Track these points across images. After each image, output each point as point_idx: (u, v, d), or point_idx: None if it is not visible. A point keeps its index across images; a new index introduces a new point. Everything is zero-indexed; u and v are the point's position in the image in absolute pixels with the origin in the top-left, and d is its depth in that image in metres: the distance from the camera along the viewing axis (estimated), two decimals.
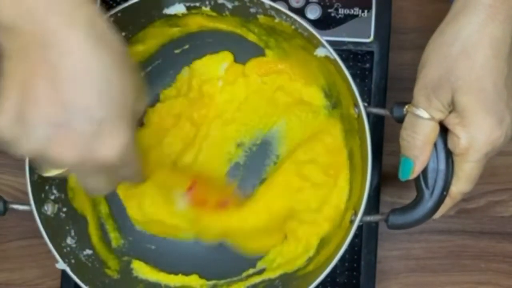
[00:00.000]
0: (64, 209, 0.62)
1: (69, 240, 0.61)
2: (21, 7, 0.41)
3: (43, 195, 0.59)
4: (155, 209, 0.65)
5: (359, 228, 0.62)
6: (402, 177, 0.55)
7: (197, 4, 0.60)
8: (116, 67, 0.43)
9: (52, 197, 0.61)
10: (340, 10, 0.68)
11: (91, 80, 0.42)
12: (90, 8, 0.43)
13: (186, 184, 0.64)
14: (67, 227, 0.62)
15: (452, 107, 0.51)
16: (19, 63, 0.42)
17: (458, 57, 0.50)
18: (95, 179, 0.48)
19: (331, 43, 0.64)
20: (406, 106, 0.54)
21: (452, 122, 0.52)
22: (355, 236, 0.66)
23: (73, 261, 0.59)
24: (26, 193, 0.57)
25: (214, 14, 0.61)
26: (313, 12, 0.68)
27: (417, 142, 0.53)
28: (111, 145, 0.43)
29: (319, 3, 0.68)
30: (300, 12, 0.68)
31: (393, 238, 0.70)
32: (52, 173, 0.48)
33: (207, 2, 0.60)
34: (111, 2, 0.68)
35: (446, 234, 0.71)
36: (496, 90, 0.50)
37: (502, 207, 0.72)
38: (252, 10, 0.59)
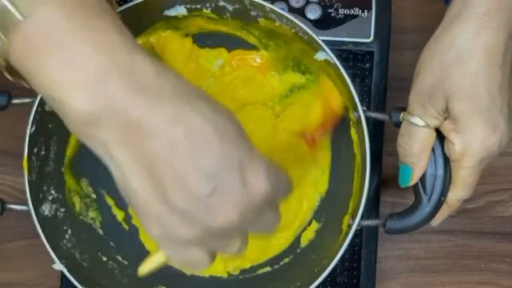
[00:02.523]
0: (62, 210, 0.62)
1: (66, 241, 0.61)
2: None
3: (41, 196, 0.60)
4: None
5: (360, 228, 0.62)
6: (401, 183, 0.55)
7: (198, 6, 0.60)
8: (212, 109, 0.40)
9: (50, 198, 0.61)
10: (340, 10, 0.68)
11: (208, 138, 0.39)
12: (171, 74, 0.40)
13: None
14: (65, 228, 0.62)
15: (447, 113, 0.52)
16: (126, 161, 0.39)
17: (452, 65, 0.50)
18: (265, 218, 0.43)
19: (331, 43, 0.64)
20: (402, 114, 0.54)
21: (447, 129, 0.52)
22: (355, 236, 0.66)
23: (70, 262, 0.59)
24: (24, 193, 0.58)
25: (214, 16, 0.61)
26: (313, 12, 0.68)
27: (414, 149, 0.53)
28: (259, 175, 0.40)
29: (319, 3, 0.68)
30: (300, 12, 0.68)
31: (393, 238, 0.70)
32: (232, 249, 0.43)
33: (208, 4, 0.60)
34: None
35: (446, 234, 0.71)
36: (490, 97, 0.50)
37: (502, 207, 0.72)
38: (253, 13, 0.59)
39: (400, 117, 0.54)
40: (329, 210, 0.66)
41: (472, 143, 0.51)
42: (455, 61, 0.50)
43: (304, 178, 0.66)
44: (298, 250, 0.66)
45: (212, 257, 0.43)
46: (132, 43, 0.40)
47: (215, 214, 0.39)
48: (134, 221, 0.68)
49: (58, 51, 0.38)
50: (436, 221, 0.56)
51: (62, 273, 0.59)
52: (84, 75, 0.38)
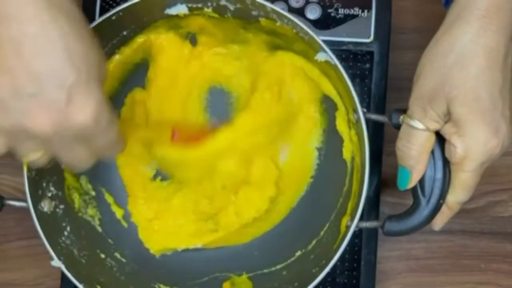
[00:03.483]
0: (61, 206, 0.62)
1: (65, 238, 0.61)
2: None
3: (40, 192, 0.60)
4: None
5: (360, 228, 0.62)
6: (400, 186, 0.55)
7: (199, 5, 0.60)
8: (76, 33, 0.44)
9: (49, 194, 0.61)
10: (340, 10, 0.68)
11: (54, 48, 0.43)
12: None
13: (167, 135, 0.65)
14: (64, 224, 0.62)
15: (448, 117, 0.52)
16: None
17: (453, 68, 0.50)
18: (75, 151, 0.47)
19: (331, 43, 0.64)
20: (401, 117, 0.54)
21: (448, 132, 0.52)
22: (355, 236, 0.66)
23: (68, 258, 0.59)
24: (24, 192, 0.57)
25: (215, 15, 0.61)
26: (313, 12, 0.68)
27: (413, 152, 0.53)
28: (85, 107, 0.44)
29: (319, 3, 0.68)
30: (300, 12, 0.68)
31: (393, 238, 0.70)
32: (31, 157, 0.48)
33: (209, 3, 0.60)
34: (111, 2, 0.68)
35: (446, 234, 0.71)
36: (491, 100, 0.50)
37: (502, 207, 0.72)
38: (254, 12, 0.59)
39: (400, 120, 0.54)
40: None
41: (474, 146, 0.51)
42: (455, 64, 0.50)
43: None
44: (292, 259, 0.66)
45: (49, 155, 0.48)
46: None
47: (28, 116, 0.43)
48: (133, 219, 0.68)
49: None
50: (438, 225, 0.56)
51: (62, 272, 0.59)
52: None
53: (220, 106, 0.68)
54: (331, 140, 0.66)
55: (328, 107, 0.65)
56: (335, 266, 0.56)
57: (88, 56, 0.45)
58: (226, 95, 0.68)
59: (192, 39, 0.66)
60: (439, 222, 0.56)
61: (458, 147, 0.51)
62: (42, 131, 0.44)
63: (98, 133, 0.47)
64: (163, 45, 0.65)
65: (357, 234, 0.67)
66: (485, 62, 0.50)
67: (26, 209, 0.57)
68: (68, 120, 0.44)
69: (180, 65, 0.66)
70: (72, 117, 0.44)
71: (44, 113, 0.43)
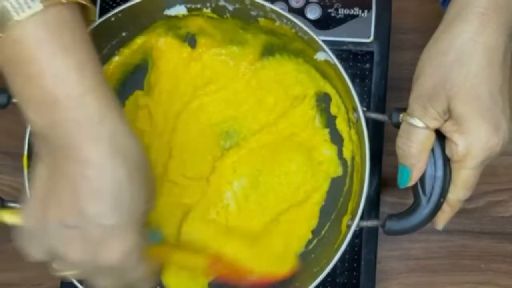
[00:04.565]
0: None
1: None
2: (52, 119, 0.44)
3: None
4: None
5: (360, 228, 0.62)
6: (400, 185, 0.55)
7: (198, 6, 0.60)
8: (130, 177, 0.45)
9: None
10: (340, 10, 0.68)
11: (106, 191, 0.44)
12: (114, 119, 0.45)
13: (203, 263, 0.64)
14: None
15: (449, 114, 0.52)
16: (48, 169, 0.46)
17: (453, 66, 0.50)
18: (104, 280, 0.49)
19: (331, 43, 0.64)
20: (401, 115, 0.54)
21: (449, 130, 0.52)
22: (355, 236, 0.66)
23: None
24: (24, 192, 0.57)
25: (215, 16, 0.61)
26: (313, 12, 0.68)
27: (413, 150, 0.53)
28: (115, 249, 0.46)
29: (319, 3, 0.68)
30: (300, 12, 0.68)
31: (393, 238, 0.70)
32: (64, 273, 0.49)
33: (208, 4, 0.60)
34: (111, 3, 0.68)
35: (446, 234, 0.71)
36: (491, 98, 0.50)
37: (502, 207, 0.72)
38: (253, 12, 0.59)
39: (400, 118, 0.54)
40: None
41: (476, 144, 0.51)
42: (455, 62, 0.50)
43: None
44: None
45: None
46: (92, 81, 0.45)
47: (63, 243, 0.46)
48: None
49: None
50: (440, 224, 0.56)
51: None
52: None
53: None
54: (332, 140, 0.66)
55: (326, 106, 0.65)
56: (335, 266, 0.56)
57: (136, 200, 0.46)
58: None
59: (191, 40, 0.66)
60: (441, 221, 0.56)
61: (459, 144, 0.51)
62: (72, 259, 0.46)
63: (125, 271, 0.48)
64: (163, 49, 0.65)
65: (357, 234, 0.67)
66: (485, 60, 0.50)
67: None
68: (97, 256, 0.46)
69: (180, 68, 0.66)
70: (101, 255, 0.46)
71: (77, 243, 0.45)
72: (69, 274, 0.49)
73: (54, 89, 0.43)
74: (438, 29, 0.53)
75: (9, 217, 0.53)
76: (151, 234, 0.49)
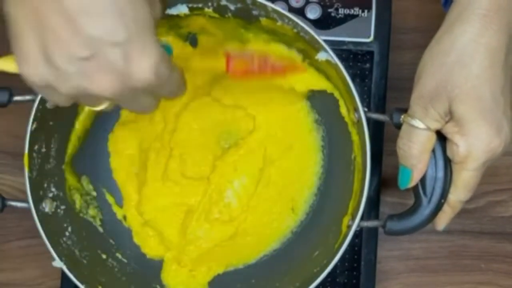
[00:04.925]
0: (62, 207, 0.62)
1: (66, 238, 0.61)
2: None
3: (41, 193, 0.60)
4: None
5: (360, 228, 0.62)
6: (401, 185, 0.55)
7: (200, 5, 0.60)
8: None
9: (50, 195, 0.61)
10: (340, 10, 0.68)
11: (99, 5, 0.41)
12: None
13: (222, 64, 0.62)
14: (65, 225, 0.62)
15: (450, 116, 0.52)
16: (24, 6, 0.41)
17: (454, 67, 0.50)
18: (140, 101, 0.46)
19: (331, 43, 0.64)
20: (402, 116, 0.54)
21: (451, 131, 0.52)
22: (355, 236, 0.66)
23: (70, 259, 0.59)
24: (25, 192, 0.57)
25: (216, 15, 0.61)
26: (313, 12, 0.68)
27: (414, 151, 0.53)
28: (144, 63, 0.42)
29: (319, 3, 0.68)
30: (300, 12, 0.68)
31: (393, 238, 0.70)
32: (97, 108, 0.47)
33: (209, 3, 0.59)
34: None
35: (446, 234, 0.71)
36: (493, 99, 0.50)
37: (502, 207, 0.72)
38: (255, 12, 0.59)
39: (401, 119, 0.54)
40: (327, 210, 0.67)
41: (477, 146, 0.51)
42: (457, 63, 0.50)
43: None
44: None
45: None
46: None
47: (89, 81, 0.42)
48: (126, 223, 0.68)
49: None
50: (440, 225, 0.56)
51: (62, 272, 0.59)
52: None
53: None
54: (334, 141, 0.66)
55: (327, 105, 0.66)
56: (335, 266, 0.56)
57: (137, 6, 0.42)
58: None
59: (193, 39, 0.66)
60: (441, 222, 0.56)
61: (460, 146, 0.51)
62: (105, 93, 0.43)
63: (161, 84, 0.45)
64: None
65: (357, 234, 0.67)
66: (487, 61, 0.50)
67: (27, 209, 0.57)
68: (130, 78, 0.42)
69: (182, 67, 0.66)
70: (133, 75, 0.42)
71: (103, 75, 0.42)
72: (103, 106, 0.46)
73: None
74: (439, 30, 0.52)
75: (7, 66, 0.47)
76: (163, 46, 0.46)
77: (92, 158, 0.67)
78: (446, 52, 0.51)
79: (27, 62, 0.42)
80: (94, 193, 0.67)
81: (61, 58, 0.41)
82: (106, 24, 0.41)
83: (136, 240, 0.68)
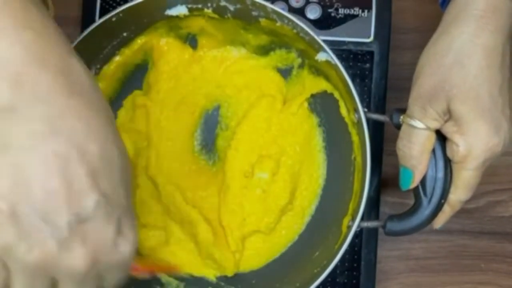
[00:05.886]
0: None
1: None
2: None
3: None
4: None
5: (360, 228, 0.62)
6: (402, 187, 0.55)
7: (199, 6, 0.60)
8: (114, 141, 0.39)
9: None
10: (340, 10, 0.68)
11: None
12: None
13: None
14: None
15: (449, 115, 0.52)
16: None
17: (452, 67, 0.51)
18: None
19: (331, 43, 0.64)
20: (401, 117, 0.54)
21: (450, 131, 0.52)
22: (355, 236, 0.66)
23: None
24: None
25: (216, 16, 0.61)
26: (313, 12, 0.68)
27: (414, 152, 0.53)
28: (130, 239, 0.39)
29: (319, 3, 0.68)
30: (300, 12, 0.68)
31: (393, 238, 0.70)
32: None
33: (209, 4, 0.60)
34: (112, 3, 0.68)
35: (446, 234, 0.71)
36: (491, 98, 0.50)
37: (502, 207, 0.72)
38: (254, 13, 0.59)
39: (400, 120, 0.54)
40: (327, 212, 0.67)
41: (476, 145, 0.51)
42: (454, 64, 0.51)
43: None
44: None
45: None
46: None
47: (71, 252, 0.37)
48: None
49: None
50: (438, 224, 0.56)
51: None
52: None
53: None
54: (335, 141, 0.66)
55: (327, 106, 0.66)
56: (335, 266, 0.56)
57: (120, 178, 0.39)
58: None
59: (192, 41, 0.66)
60: (440, 221, 0.56)
61: (460, 145, 0.52)
62: (77, 268, 0.38)
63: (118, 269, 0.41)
64: (164, 49, 0.65)
65: (357, 234, 0.67)
66: (484, 61, 0.50)
67: None
68: (113, 252, 0.39)
69: (181, 69, 0.66)
70: (117, 249, 0.39)
71: (85, 249, 0.37)
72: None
73: None
74: (437, 31, 0.53)
75: None
76: None
77: None
78: (444, 53, 0.51)
79: None
80: None
81: (55, 213, 0.37)
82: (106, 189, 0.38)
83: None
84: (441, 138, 0.53)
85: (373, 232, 0.68)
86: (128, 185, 0.40)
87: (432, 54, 0.52)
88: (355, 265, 0.68)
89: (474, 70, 0.50)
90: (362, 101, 0.58)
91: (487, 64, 0.50)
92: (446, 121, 0.52)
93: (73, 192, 0.36)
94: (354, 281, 0.68)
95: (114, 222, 0.38)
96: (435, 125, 0.52)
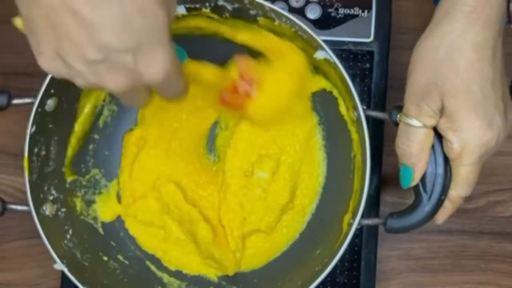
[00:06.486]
0: (63, 210, 0.62)
1: (67, 241, 0.61)
2: None
3: (42, 196, 0.60)
4: None
5: (360, 228, 0.62)
6: (403, 185, 0.55)
7: (198, 6, 0.60)
8: None
9: (51, 198, 0.61)
10: (340, 10, 0.69)
11: (109, 17, 0.42)
12: None
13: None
14: (66, 228, 0.62)
15: (442, 111, 0.52)
16: (39, 8, 0.42)
17: (443, 62, 0.51)
18: (140, 97, 0.48)
19: (331, 43, 0.64)
20: (398, 116, 0.54)
21: (443, 127, 0.52)
22: (355, 236, 0.66)
23: (71, 261, 0.59)
24: (25, 192, 0.57)
25: (214, 15, 0.61)
26: (313, 12, 0.68)
27: (413, 150, 0.53)
28: (155, 67, 0.44)
29: (319, 3, 0.68)
30: (300, 12, 0.68)
31: (393, 238, 0.70)
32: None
33: (207, 4, 0.60)
34: None
35: (446, 234, 0.71)
36: (483, 93, 0.50)
37: (502, 207, 0.72)
38: (252, 12, 0.59)
39: (397, 118, 0.54)
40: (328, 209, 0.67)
41: (470, 140, 0.51)
42: (445, 59, 0.51)
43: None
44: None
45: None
46: None
47: (101, 78, 0.44)
48: (126, 225, 0.68)
49: None
50: (440, 219, 0.56)
51: (62, 273, 0.59)
52: None
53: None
54: (334, 139, 0.66)
55: (326, 104, 0.66)
56: (335, 266, 0.56)
57: (148, 13, 0.43)
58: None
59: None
60: (441, 217, 0.56)
61: (454, 142, 0.52)
62: (115, 89, 0.45)
63: (166, 87, 0.47)
64: None
65: (357, 234, 0.67)
66: (475, 56, 0.50)
67: (28, 212, 0.58)
68: (140, 79, 0.45)
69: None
70: (143, 76, 0.45)
71: (114, 75, 0.44)
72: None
73: None
74: (428, 27, 0.53)
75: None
76: (177, 50, 0.47)
77: (92, 161, 0.67)
78: (435, 49, 0.51)
79: (42, 56, 0.44)
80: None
81: (74, 59, 0.43)
82: (115, 34, 0.42)
83: (140, 243, 0.68)
84: (440, 134, 0.53)
85: (373, 232, 0.68)
86: (137, 23, 0.43)
87: (423, 50, 0.52)
88: (355, 265, 0.68)
89: (465, 64, 0.50)
90: (362, 101, 0.58)
91: (477, 58, 0.50)
92: (440, 118, 0.52)
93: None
94: (354, 281, 0.68)
95: (129, 57, 0.43)
96: (431, 122, 0.53)
